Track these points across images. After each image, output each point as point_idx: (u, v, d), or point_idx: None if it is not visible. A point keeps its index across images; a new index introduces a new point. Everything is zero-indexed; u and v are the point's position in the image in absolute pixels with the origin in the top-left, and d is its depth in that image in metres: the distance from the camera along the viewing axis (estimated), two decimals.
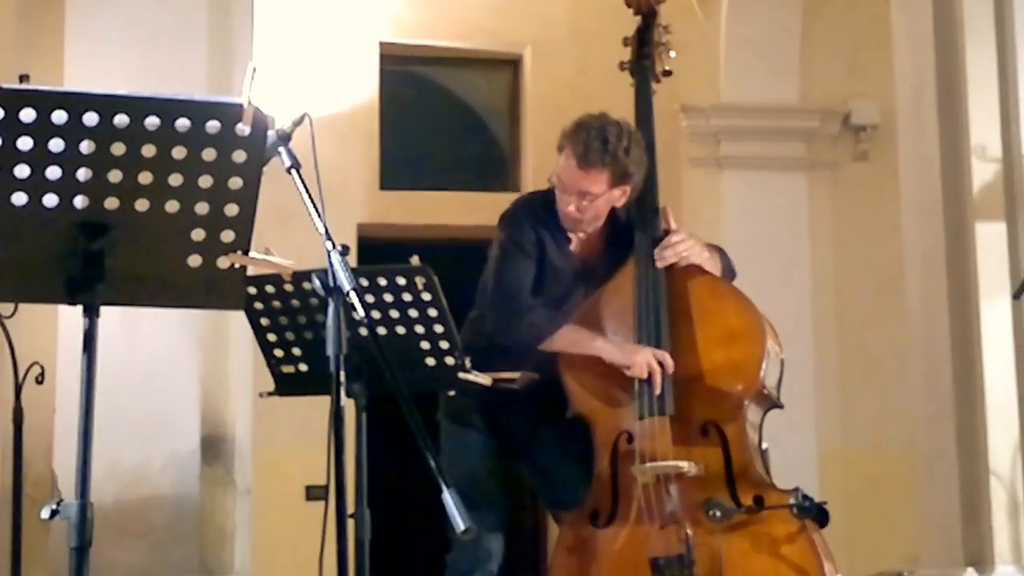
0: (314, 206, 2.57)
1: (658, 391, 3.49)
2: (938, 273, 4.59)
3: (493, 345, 3.58)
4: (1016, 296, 4.23)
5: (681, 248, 3.62)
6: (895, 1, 5.08)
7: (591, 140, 3.51)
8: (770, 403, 3.65)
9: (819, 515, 3.37)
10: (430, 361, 3.03)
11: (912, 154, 4.89)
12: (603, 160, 3.52)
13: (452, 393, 3.61)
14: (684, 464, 3.46)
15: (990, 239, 4.50)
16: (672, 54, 3.93)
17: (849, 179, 7.44)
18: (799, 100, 7.35)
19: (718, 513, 3.36)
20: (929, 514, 4.68)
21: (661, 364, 3.49)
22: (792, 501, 3.37)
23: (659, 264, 3.62)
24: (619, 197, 3.62)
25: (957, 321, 4.52)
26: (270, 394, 3.16)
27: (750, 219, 7.12)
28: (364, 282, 2.91)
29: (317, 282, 2.60)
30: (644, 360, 3.50)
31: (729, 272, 3.80)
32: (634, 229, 3.69)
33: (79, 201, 2.15)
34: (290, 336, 3.06)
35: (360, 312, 2.55)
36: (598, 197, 3.58)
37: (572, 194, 3.58)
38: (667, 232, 3.67)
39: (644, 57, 3.92)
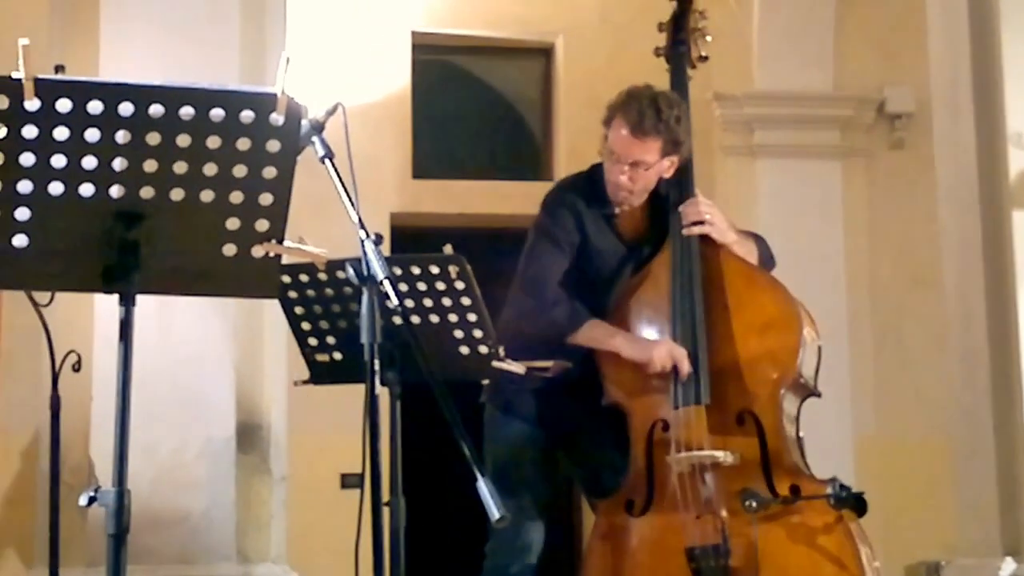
0: (347, 195, 2.58)
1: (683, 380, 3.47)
2: (974, 261, 4.55)
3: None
4: None
5: (703, 208, 3.61)
6: None
7: (644, 109, 3.53)
8: (807, 392, 3.63)
9: (857, 505, 3.35)
10: (464, 350, 3.03)
11: (947, 142, 4.85)
12: (657, 128, 3.54)
13: (485, 381, 3.61)
14: (720, 454, 3.44)
15: None
16: (708, 39, 3.92)
17: (884, 167, 7.37)
18: (833, 88, 7.29)
19: (754, 503, 3.34)
20: (966, 503, 4.65)
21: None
22: (829, 491, 3.35)
23: (683, 221, 3.61)
24: (668, 168, 3.63)
25: (994, 309, 4.49)
26: (304, 382, 3.17)
27: (784, 208, 7.07)
28: (397, 271, 2.90)
29: (351, 271, 2.60)
30: (660, 355, 3.49)
31: (768, 260, 3.78)
32: (670, 216, 3.69)
33: (115, 190, 2.15)
34: (324, 325, 3.07)
35: (394, 301, 2.56)
36: (651, 166, 3.59)
37: (625, 164, 3.58)
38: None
39: (680, 43, 3.91)
